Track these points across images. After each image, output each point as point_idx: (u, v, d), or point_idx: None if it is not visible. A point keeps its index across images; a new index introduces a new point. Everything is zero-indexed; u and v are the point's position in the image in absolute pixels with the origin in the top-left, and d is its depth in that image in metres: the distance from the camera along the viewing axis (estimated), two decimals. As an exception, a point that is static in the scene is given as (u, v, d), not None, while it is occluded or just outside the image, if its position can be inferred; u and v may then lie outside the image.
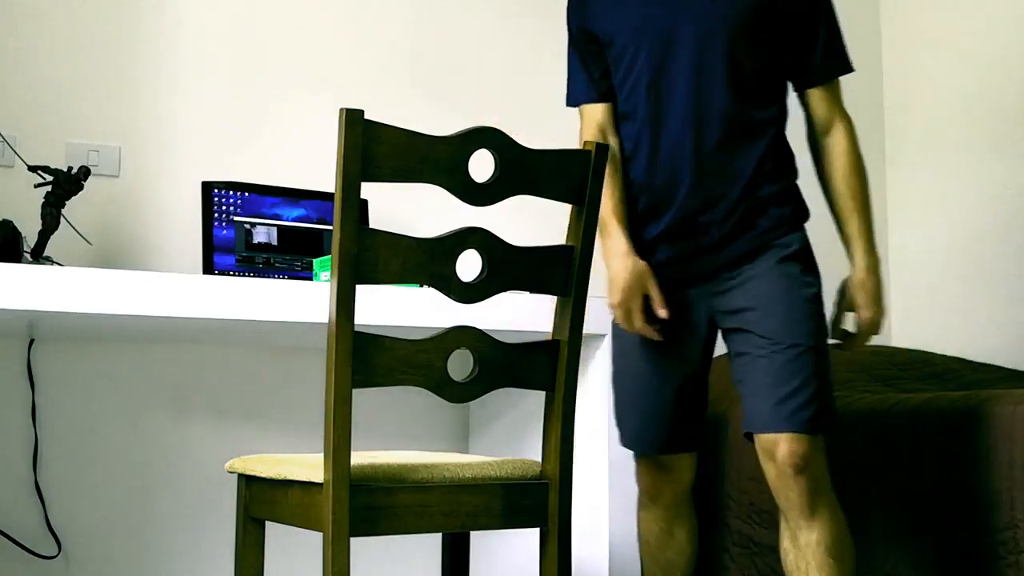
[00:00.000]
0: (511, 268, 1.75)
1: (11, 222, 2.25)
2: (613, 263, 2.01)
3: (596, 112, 2.12)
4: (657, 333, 2.01)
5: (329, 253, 2.45)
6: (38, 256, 2.30)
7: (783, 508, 1.96)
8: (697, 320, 2.07)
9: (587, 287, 1.84)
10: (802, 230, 2.05)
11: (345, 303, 1.60)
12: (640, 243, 2.05)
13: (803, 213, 2.07)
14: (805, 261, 2.03)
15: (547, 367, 1.81)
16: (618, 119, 2.09)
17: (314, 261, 2.43)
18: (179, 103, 2.73)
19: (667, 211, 2.03)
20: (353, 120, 1.59)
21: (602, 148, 1.83)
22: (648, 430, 2.10)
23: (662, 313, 1.97)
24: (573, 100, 2.16)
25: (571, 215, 1.83)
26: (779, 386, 1.93)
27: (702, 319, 2.07)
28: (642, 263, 1.99)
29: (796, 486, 1.91)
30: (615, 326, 2.10)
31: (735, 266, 2.01)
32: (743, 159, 2.00)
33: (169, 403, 2.64)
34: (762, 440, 1.95)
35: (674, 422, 2.09)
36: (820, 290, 2.02)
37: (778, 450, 1.92)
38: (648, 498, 2.16)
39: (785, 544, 1.98)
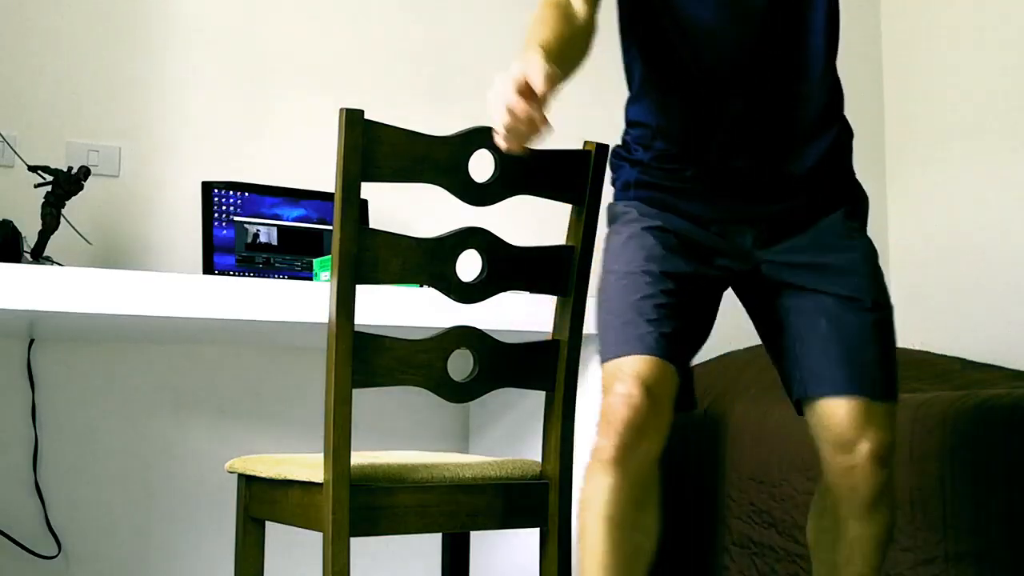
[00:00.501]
0: (511, 268, 1.75)
1: (11, 222, 2.25)
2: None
3: None
4: (536, 121, 1.45)
5: (329, 253, 2.45)
6: (38, 256, 2.30)
7: (837, 496, 1.74)
8: (732, 249, 1.74)
9: (587, 287, 1.84)
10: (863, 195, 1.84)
11: (345, 303, 1.60)
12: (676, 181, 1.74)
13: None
14: (864, 216, 1.83)
15: (547, 367, 1.81)
16: None
17: (314, 261, 2.43)
18: (179, 103, 2.73)
19: (707, 141, 1.73)
20: (353, 120, 1.59)
21: (602, 148, 1.83)
22: (641, 326, 1.66)
23: (538, 83, 1.43)
24: None
25: (571, 215, 1.83)
26: (863, 348, 1.70)
27: (735, 255, 1.74)
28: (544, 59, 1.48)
29: (872, 481, 1.69)
30: (611, 237, 1.76)
31: (814, 214, 1.76)
32: (812, 66, 1.75)
33: (169, 403, 2.64)
34: (835, 416, 1.69)
35: (671, 327, 1.66)
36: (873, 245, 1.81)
37: (863, 438, 1.68)
38: (619, 456, 1.60)
39: (824, 522, 1.78)
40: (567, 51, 1.60)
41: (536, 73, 1.44)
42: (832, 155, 1.77)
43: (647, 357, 1.62)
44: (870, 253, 1.76)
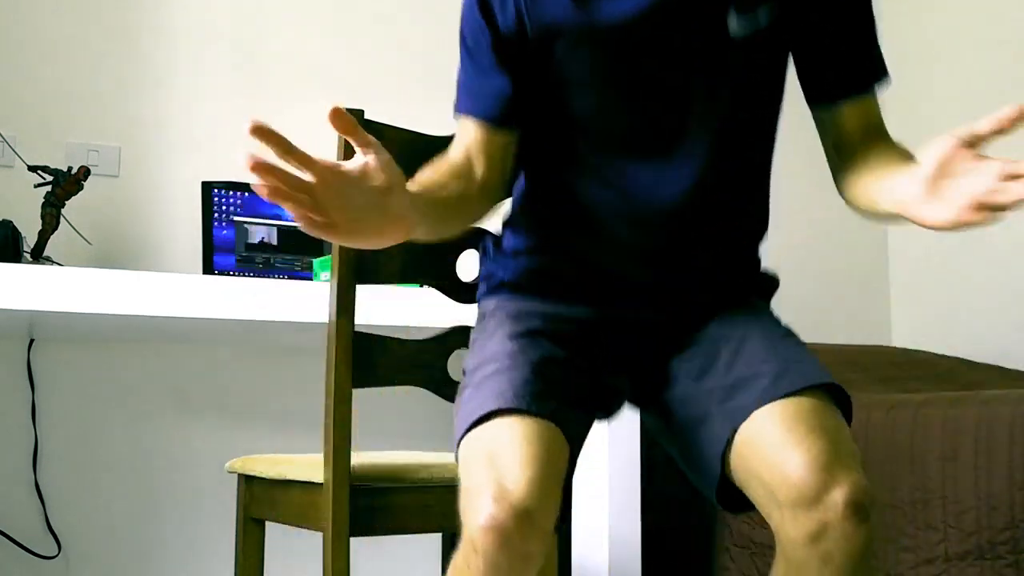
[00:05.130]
0: (511, 268, 1.75)
1: (11, 222, 2.25)
2: None
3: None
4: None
5: (329, 253, 2.45)
6: (38, 256, 2.30)
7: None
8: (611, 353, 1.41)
9: (587, 287, 1.83)
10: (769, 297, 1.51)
11: (345, 303, 1.60)
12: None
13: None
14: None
15: (547, 367, 1.80)
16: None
17: (314, 261, 2.43)
18: (179, 103, 2.73)
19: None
20: (353, 120, 1.59)
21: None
22: (522, 380, 1.24)
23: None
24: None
25: (571, 215, 1.83)
26: (774, 354, 1.31)
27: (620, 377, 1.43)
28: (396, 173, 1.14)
29: (852, 545, 1.16)
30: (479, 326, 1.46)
31: (694, 314, 1.42)
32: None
33: (169, 403, 2.64)
34: (786, 471, 1.18)
35: (559, 381, 1.30)
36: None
37: (834, 481, 1.16)
38: (497, 531, 1.12)
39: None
40: (446, 201, 1.30)
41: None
42: (743, 253, 1.48)
43: (523, 418, 1.20)
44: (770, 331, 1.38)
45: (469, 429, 1.22)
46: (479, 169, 1.38)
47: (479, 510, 1.12)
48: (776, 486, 1.19)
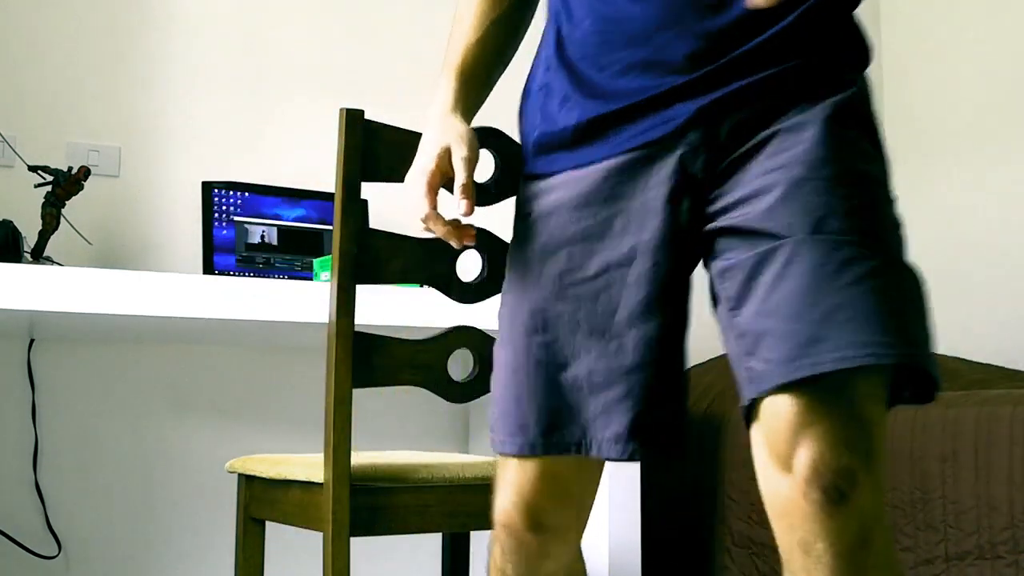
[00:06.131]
0: (511, 268, 1.75)
1: (11, 222, 2.25)
2: (427, 129, 1.36)
3: None
4: (456, 235, 1.28)
5: (329, 253, 2.45)
6: (38, 256, 2.30)
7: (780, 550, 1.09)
8: (653, 206, 1.19)
9: (587, 287, 1.83)
10: (864, 70, 1.21)
11: (345, 303, 1.60)
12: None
13: (864, 39, 1.22)
14: (866, 121, 1.19)
15: (547, 367, 1.80)
16: None
17: (314, 261, 2.43)
18: (179, 103, 2.73)
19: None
20: (353, 120, 1.59)
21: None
22: (535, 407, 1.32)
23: (462, 207, 1.23)
24: None
25: (571, 215, 1.82)
26: (813, 303, 1.05)
27: (661, 201, 1.18)
28: (463, 127, 1.34)
29: (816, 521, 1.03)
30: (507, 269, 1.38)
31: (753, 123, 1.15)
32: None
33: (169, 403, 2.64)
34: (773, 415, 1.06)
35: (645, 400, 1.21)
36: (887, 173, 1.21)
37: (800, 445, 1.03)
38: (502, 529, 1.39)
39: None
40: (491, 52, 1.48)
41: (461, 186, 1.24)
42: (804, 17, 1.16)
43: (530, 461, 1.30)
44: (847, 175, 1.14)
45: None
46: None
47: (495, 508, 1.40)
48: (766, 495, 1.09)
